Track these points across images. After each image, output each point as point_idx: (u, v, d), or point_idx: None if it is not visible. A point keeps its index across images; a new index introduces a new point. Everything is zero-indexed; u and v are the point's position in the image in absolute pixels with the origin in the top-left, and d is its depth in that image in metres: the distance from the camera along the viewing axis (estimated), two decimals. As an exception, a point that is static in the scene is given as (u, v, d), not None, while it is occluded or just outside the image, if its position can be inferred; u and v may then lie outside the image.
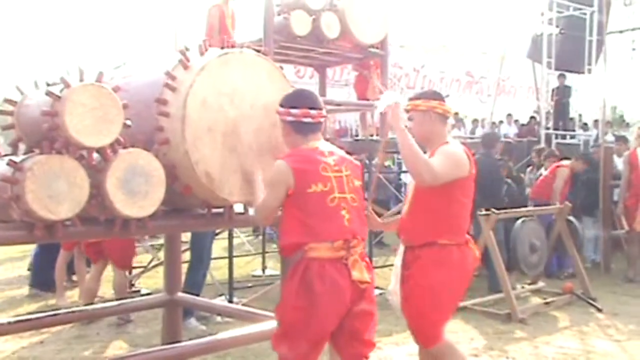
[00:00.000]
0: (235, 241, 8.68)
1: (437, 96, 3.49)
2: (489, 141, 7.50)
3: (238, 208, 3.43)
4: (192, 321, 5.64)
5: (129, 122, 2.90)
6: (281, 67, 3.50)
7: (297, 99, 3.05)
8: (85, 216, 2.84)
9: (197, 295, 5.21)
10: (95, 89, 2.80)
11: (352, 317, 2.90)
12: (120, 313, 5.23)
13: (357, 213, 2.96)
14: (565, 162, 8.24)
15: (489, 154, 7.25)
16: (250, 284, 7.53)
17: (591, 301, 6.56)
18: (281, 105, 3.05)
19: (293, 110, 2.99)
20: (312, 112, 3.01)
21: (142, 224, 2.96)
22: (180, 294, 4.53)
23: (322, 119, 3.08)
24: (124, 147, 2.89)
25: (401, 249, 3.50)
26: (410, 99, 3.46)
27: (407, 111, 3.38)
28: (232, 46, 3.35)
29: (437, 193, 3.27)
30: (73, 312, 4.39)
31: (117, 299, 5.46)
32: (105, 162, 2.83)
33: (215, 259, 6.72)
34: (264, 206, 3.01)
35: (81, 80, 2.81)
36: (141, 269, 7.44)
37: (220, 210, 3.36)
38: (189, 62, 3.18)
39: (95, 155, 2.86)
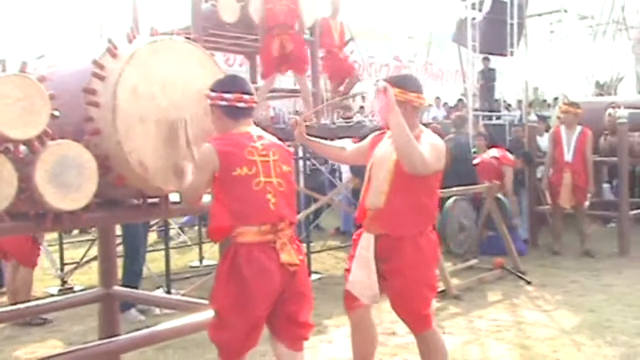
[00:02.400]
0: (171, 232, 8.58)
1: (416, 87, 3.42)
2: (459, 122, 8.79)
3: (174, 198, 3.39)
4: (132, 311, 5.57)
5: (56, 113, 2.82)
6: (212, 54, 3.47)
7: (230, 84, 3.04)
8: (14, 211, 2.74)
9: (136, 287, 5.12)
10: (19, 80, 2.70)
11: (285, 301, 2.92)
12: (54, 310, 5.07)
13: (284, 197, 2.97)
14: (510, 156, 8.49)
15: (459, 133, 8.48)
16: (188, 275, 7.45)
17: (521, 275, 6.83)
18: (212, 90, 3.02)
19: (226, 95, 2.98)
20: (245, 96, 3.01)
21: (76, 217, 2.88)
22: (116, 288, 4.42)
23: (254, 104, 3.08)
24: (52, 139, 2.81)
25: (369, 238, 3.45)
26: (389, 83, 3.32)
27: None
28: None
29: (419, 185, 3.31)
30: (1, 312, 4.23)
31: (16, 301, 5.24)
32: (33, 154, 2.74)
33: (150, 251, 6.61)
34: (190, 188, 3.03)
35: (3, 71, 2.71)
36: (74, 265, 7.24)
37: (156, 200, 3.32)
38: (117, 50, 3.10)
39: (22, 148, 2.77)
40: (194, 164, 3.04)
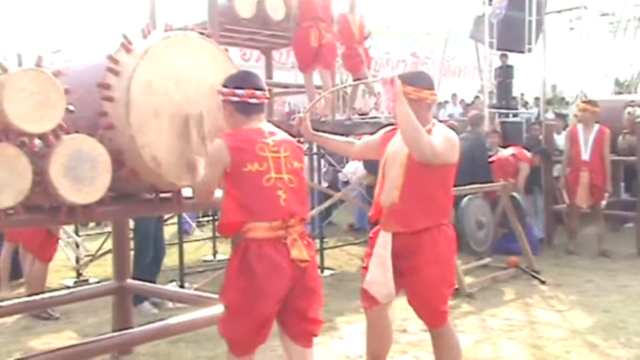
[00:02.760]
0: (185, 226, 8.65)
1: (429, 84, 3.41)
2: (475, 120, 8.73)
3: (186, 193, 3.41)
4: (146, 305, 5.61)
5: (71, 108, 2.85)
6: (226, 50, 3.49)
7: (242, 80, 3.04)
8: (29, 204, 2.78)
9: (147, 281, 5.16)
10: (35, 74, 2.74)
11: (295, 297, 2.92)
12: (69, 302, 5.13)
13: (295, 193, 2.97)
14: (527, 154, 8.42)
15: (475, 132, 8.38)
16: (201, 269, 7.50)
17: (535, 274, 6.78)
18: (225, 86, 3.03)
19: (238, 91, 2.98)
20: (258, 92, 3.01)
21: (89, 210, 2.92)
22: (129, 281, 4.49)
23: (265, 100, 3.08)
24: (67, 133, 2.84)
25: (386, 236, 3.43)
26: (403, 81, 3.31)
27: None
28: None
29: (432, 179, 3.30)
30: (18, 303, 4.30)
31: (30, 293, 5.34)
32: (48, 148, 2.77)
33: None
34: (202, 184, 3.05)
35: (20, 65, 2.74)
36: (89, 258, 7.31)
37: (169, 195, 3.34)
38: (132, 45, 3.13)
39: (37, 141, 2.80)
40: (206, 160, 3.06)
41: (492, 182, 7.57)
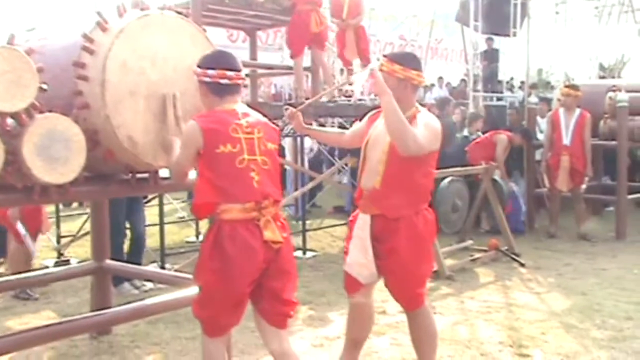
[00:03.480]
0: (168, 207, 8.62)
1: (416, 65, 3.40)
2: (441, 104, 9.05)
3: (164, 173, 3.40)
4: (126, 285, 5.61)
5: (44, 86, 2.82)
6: (204, 30, 3.46)
7: (214, 60, 3.01)
8: (2, 184, 2.76)
9: (129, 262, 5.16)
10: (6, 52, 2.70)
11: (269, 278, 2.93)
12: (47, 282, 5.13)
13: (269, 175, 2.97)
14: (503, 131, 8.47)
15: (442, 116, 8.19)
16: (183, 250, 7.50)
17: (515, 257, 6.84)
18: (198, 66, 3.01)
19: (210, 71, 2.96)
20: (230, 73, 2.98)
21: (63, 190, 2.90)
22: (108, 261, 4.48)
23: (240, 81, 3.06)
24: (41, 112, 2.81)
25: (365, 218, 3.45)
26: (389, 59, 3.35)
27: (381, 70, 3.28)
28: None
29: (414, 166, 3.29)
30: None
31: (14, 272, 5.32)
32: (21, 127, 2.75)
33: (147, 226, 6.63)
34: (176, 164, 3.07)
35: (-9, 43, 2.71)
36: (70, 238, 7.28)
37: (145, 175, 3.33)
38: (108, 24, 3.09)
39: (10, 120, 2.78)
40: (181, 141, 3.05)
41: (463, 165, 7.57)
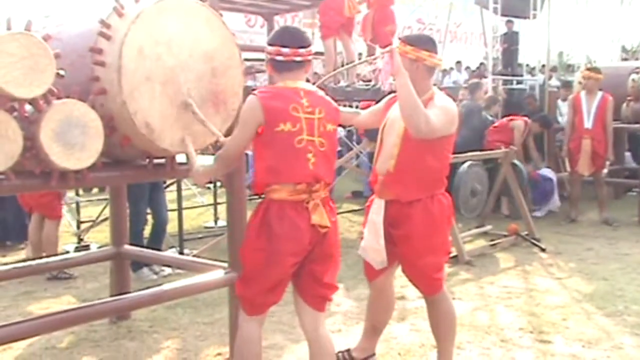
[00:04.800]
0: (187, 192, 8.65)
1: (429, 46, 3.33)
2: (473, 88, 8.84)
3: (180, 158, 3.39)
4: (145, 270, 5.65)
5: (62, 72, 2.81)
6: (221, 15, 3.42)
7: (288, 38, 2.92)
8: (20, 170, 2.77)
9: (150, 248, 5.18)
10: (24, 38, 2.69)
11: (313, 261, 2.92)
12: (66, 267, 5.17)
13: (325, 157, 2.90)
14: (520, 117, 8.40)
15: (473, 99, 8.53)
16: (200, 235, 7.52)
17: (535, 241, 6.78)
18: (270, 44, 2.93)
19: (284, 49, 2.88)
20: (301, 50, 2.91)
21: (81, 176, 2.90)
22: (127, 247, 4.50)
23: (309, 57, 2.97)
24: (58, 98, 2.81)
25: (380, 203, 3.43)
26: (402, 41, 3.31)
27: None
28: None
29: (428, 150, 3.25)
30: (14, 268, 4.31)
31: (42, 255, 5.50)
32: (39, 113, 2.75)
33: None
34: (233, 145, 2.92)
35: (8, 29, 2.70)
36: (90, 223, 7.34)
37: (162, 161, 3.32)
38: (124, 9, 3.07)
39: (28, 107, 2.78)
40: (215, 137, 3.06)
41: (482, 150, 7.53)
